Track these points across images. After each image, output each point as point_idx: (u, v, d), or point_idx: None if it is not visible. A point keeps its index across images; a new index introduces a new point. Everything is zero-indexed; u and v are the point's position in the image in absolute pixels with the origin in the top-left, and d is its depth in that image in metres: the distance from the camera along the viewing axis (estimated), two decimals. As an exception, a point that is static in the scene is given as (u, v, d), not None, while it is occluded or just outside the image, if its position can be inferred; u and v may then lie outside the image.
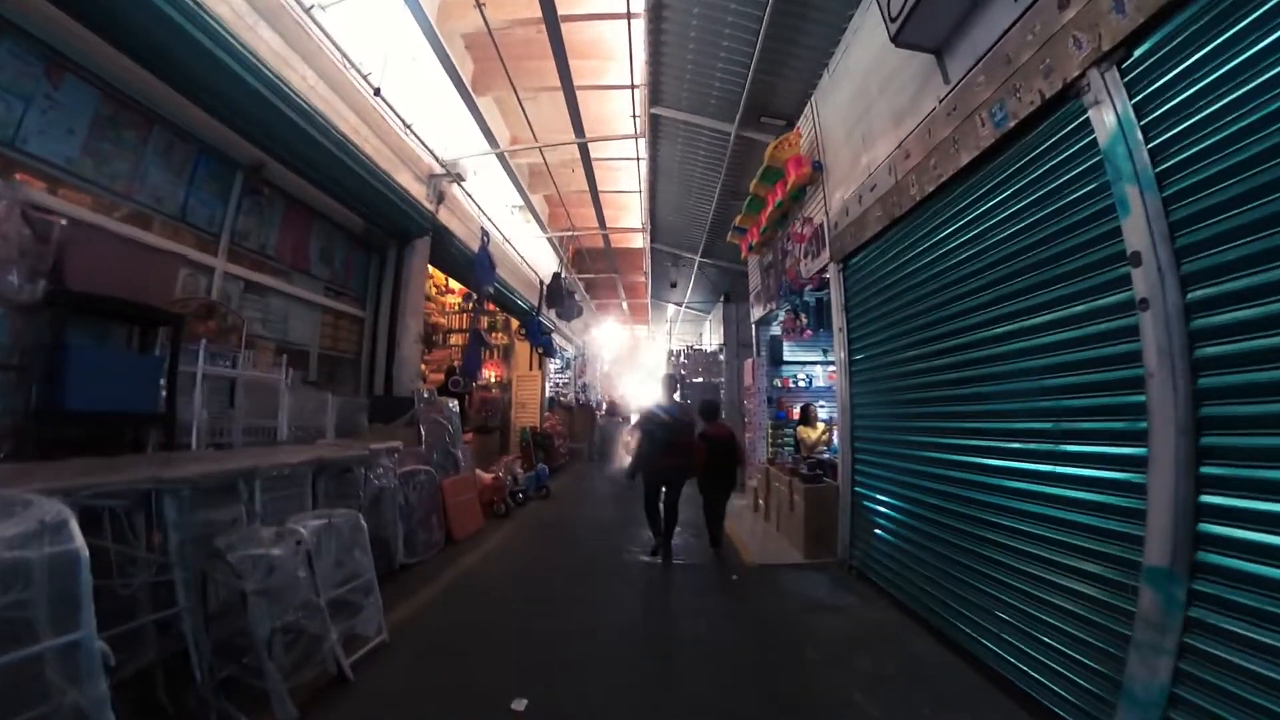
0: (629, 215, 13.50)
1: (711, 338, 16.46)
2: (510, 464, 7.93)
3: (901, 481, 4.85)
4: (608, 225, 12.77)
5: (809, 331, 8.65)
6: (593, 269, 15.32)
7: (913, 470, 4.67)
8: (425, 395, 6.87)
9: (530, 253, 11.20)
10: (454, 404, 7.18)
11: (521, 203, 10.44)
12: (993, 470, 3.63)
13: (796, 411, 9.57)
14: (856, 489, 5.65)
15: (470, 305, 9.66)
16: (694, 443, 6.06)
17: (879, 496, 5.22)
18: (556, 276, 10.71)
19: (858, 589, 5.15)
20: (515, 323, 11.86)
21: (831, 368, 9.90)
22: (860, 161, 5.68)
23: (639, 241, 14.60)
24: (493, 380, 13.62)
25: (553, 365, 16.82)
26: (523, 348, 13.66)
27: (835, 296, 6.13)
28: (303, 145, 5.35)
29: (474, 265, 7.93)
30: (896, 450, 4.95)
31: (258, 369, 5.07)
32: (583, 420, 13.28)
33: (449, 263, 8.11)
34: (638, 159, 10.09)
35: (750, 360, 9.48)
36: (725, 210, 10.62)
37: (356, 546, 3.76)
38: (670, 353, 16.06)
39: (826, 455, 8.06)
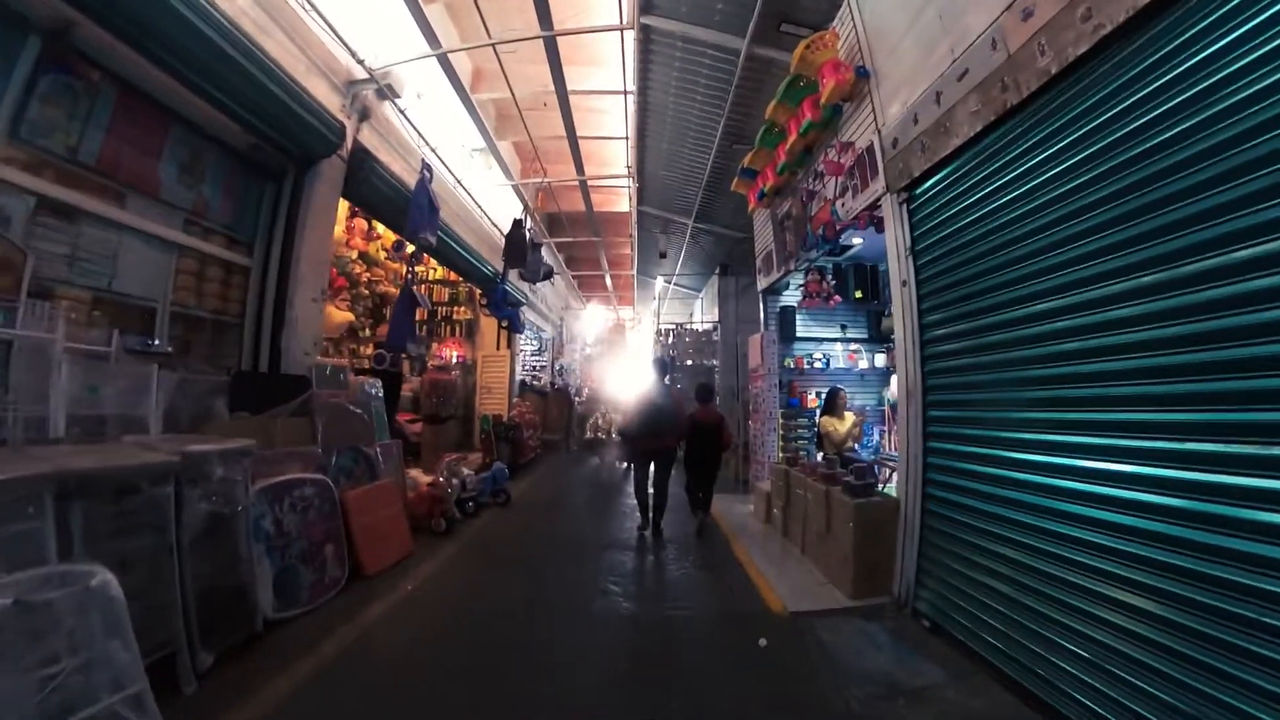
0: (614, 170, 11.72)
1: (704, 317, 14.75)
2: (453, 464, 6.18)
3: (1014, 501, 3.23)
4: (590, 181, 10.96)
5: (837, 297, 7.01)
6: (572, 235, 13.48)
7: (1038, 485, 3.05)
8: (332, 372, 5.11)
9: (493, 206, 9.39)
10: (376, 386, 5.43)
11: (484, 145, 8.63)
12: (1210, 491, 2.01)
13: (812, 398, 7.95)
14: (930, 507, 4.01)
15: (403, 258, 7.69)
16: (682, 424, 6.14)
17: (969, 520, 3.60)
18: (518, 225, 8.79)
19: (937, 652, 3.54)
20: (482, 295, 10.05)
21: (853, 346, 8.29)
22: (936, 49, 4.00)
23: (624, 205, 12.83)
24: (454, 360, 11.83)
25: (528, 346, 15.03)
26: (489, 324, 11.87)
27: (894, 239, 4.48)
28: (141, 5, 3.57)
29: (409, 206, 6.14)
30: (1010, 455, 3.31)
31: (57, 332, 3.29)
32: (558, 407, 11.57)
33: (374, 201, 6.29)
34: (624, 93, 8.31)
35: (757, 336, 7.82)
36: (727, 161, 8.91)
37: (104, 633, 2.04)
38: (658, 332, 14.35)
39: (860, 454, 6.46)
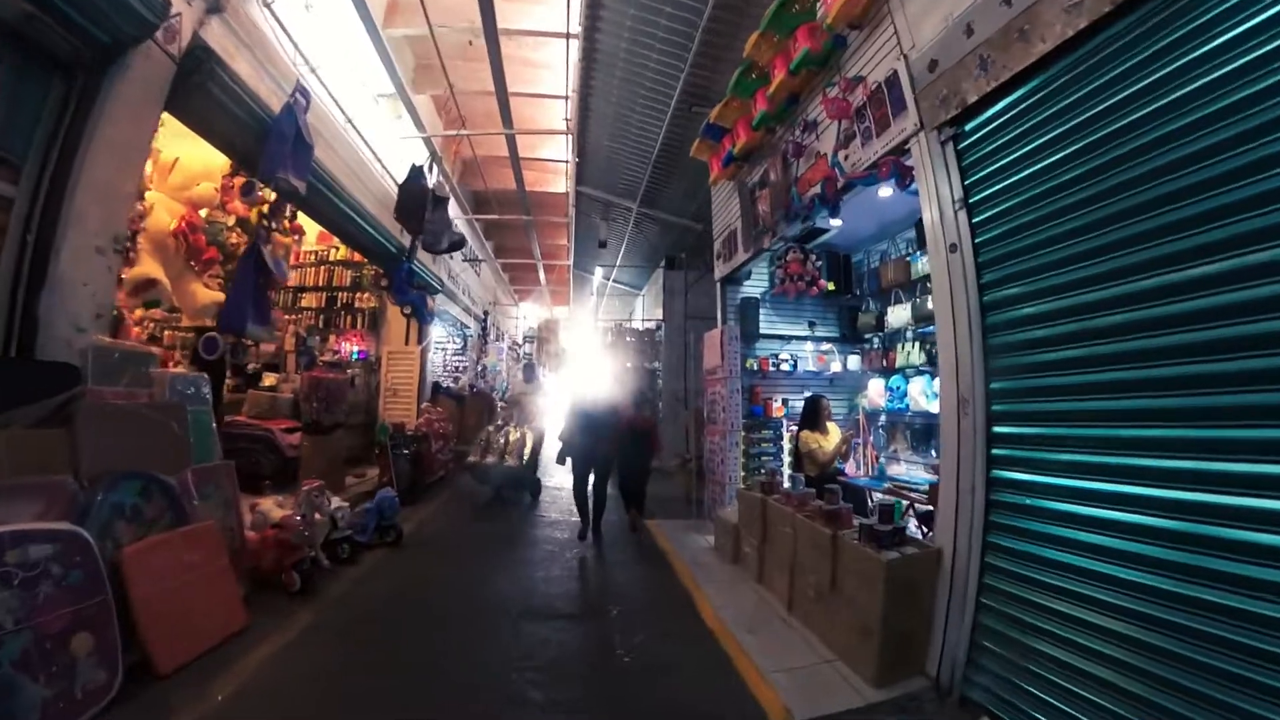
0: (549, 144, 10.27)
1: (646, 316, 13.45)
2: (313, 495, 4.51)
3: (1138, 558, 2.06)
4: (521, 138, 9.41)
5: (823, 282, 5.83)
6: (500, 215, 11.84)
7: (1185, 536, 1.89)
8: (124, 359, 3.43)
9: (400, 165, 7.68)
10: (199, 384, 3.79)
11: (392, 90, 6.97)
12: None
13: (778, 405, 6.75)
14: (993, 560, 2.82)
15: (259, 201, 5.76)
16: (619, 428, 6.39)
17: (1058, 579, 2.43)
18: (416, 174, 6.83)
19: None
20: (383, 274, 8.27)
21: (824, 346, 7.17)
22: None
23: (561, 185, 11.37)
24: (355, 357, 10.00)
25: (449, 343, 13.25)
26: (399, 315, 10.10)
27: (932, 191, 3.30)
28: None
29: (268, 136, 4.50)
30: (1138, 491, 2.14)
31: None
32: (477, 415, 9.94)
33: (215, 122, 4.58)
34: (567, 36, 6.90)
35: (716, 332, 6.56)
36: (684, 128, 7.67)
37: None
38: (596, 332, 12.98)
39: (860, 479, 5.32)
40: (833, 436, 5.27)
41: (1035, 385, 2.75)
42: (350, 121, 6.25)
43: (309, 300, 10.55)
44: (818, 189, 4.22)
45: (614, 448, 6.30)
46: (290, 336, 8.76)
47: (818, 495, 3.93)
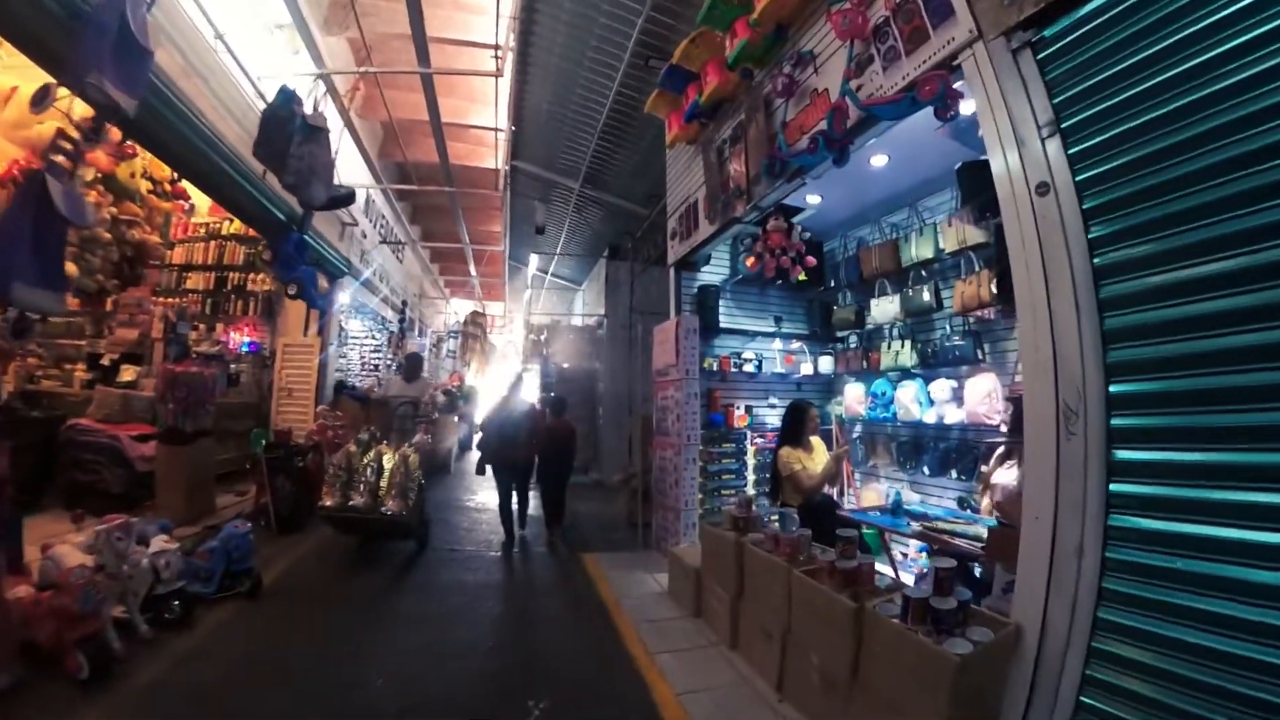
0: (479, 111, 8.96)
1: (586, 313, 12.26)
2: (112, 538, 3.11)
3: None
4: (447, 114, 8.09)
5: (811, 259, 4.85)
6: (419, 187, 10.34)
7: None
8: None
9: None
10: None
11: (290, 20, 5.53)
12: None
13: (741, 413, 5.75)
14: (1104, 644, 1.85)
15: (43, 113, 3.93)
16: (538, 435, 6.19)
17: (1222, 681, 1.43)
18: (286, 100, 4.99)
19: None
20: (266, 246, 6.72)
21: (793, 344, 6.23)
22: None
23: (492, 160, 10.06)
24: (245, 349, 8.39)
25: (368, 339, 11.63)
26: (295, 303, 8.54)
27: (1000, 117, 2.32)
28: None
29: (85, 31, 3.12)
30: None
31: None
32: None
33: (10, 8, 3.17)
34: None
35: (670, 324, 5.50)
36: (637, 90, 6.62)
37: None
38: (529, 328, 11.71)
39: (874, 513, 4.36)
40: (819, 454, 4.27)
41: (1187, 389, 1.79)
42: (221, 38, 4.79)
43: (195, 280, 8.82)
44: (823, 124, 3.19)
45: (532, 453, 6.12)
46: (158, 321, 7.14)
47: (817, 538, 2.90)
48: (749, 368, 5.76)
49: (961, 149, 3.91)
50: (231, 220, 8.46)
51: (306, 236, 6.96)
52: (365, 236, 9.66)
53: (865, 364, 5.64)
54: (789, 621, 2.82)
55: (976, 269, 4.39)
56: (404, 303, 11.84)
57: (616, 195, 9.64)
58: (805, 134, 3.53)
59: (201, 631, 3.48)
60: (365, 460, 5.11)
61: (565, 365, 10.74)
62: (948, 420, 4.64)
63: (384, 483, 4.98)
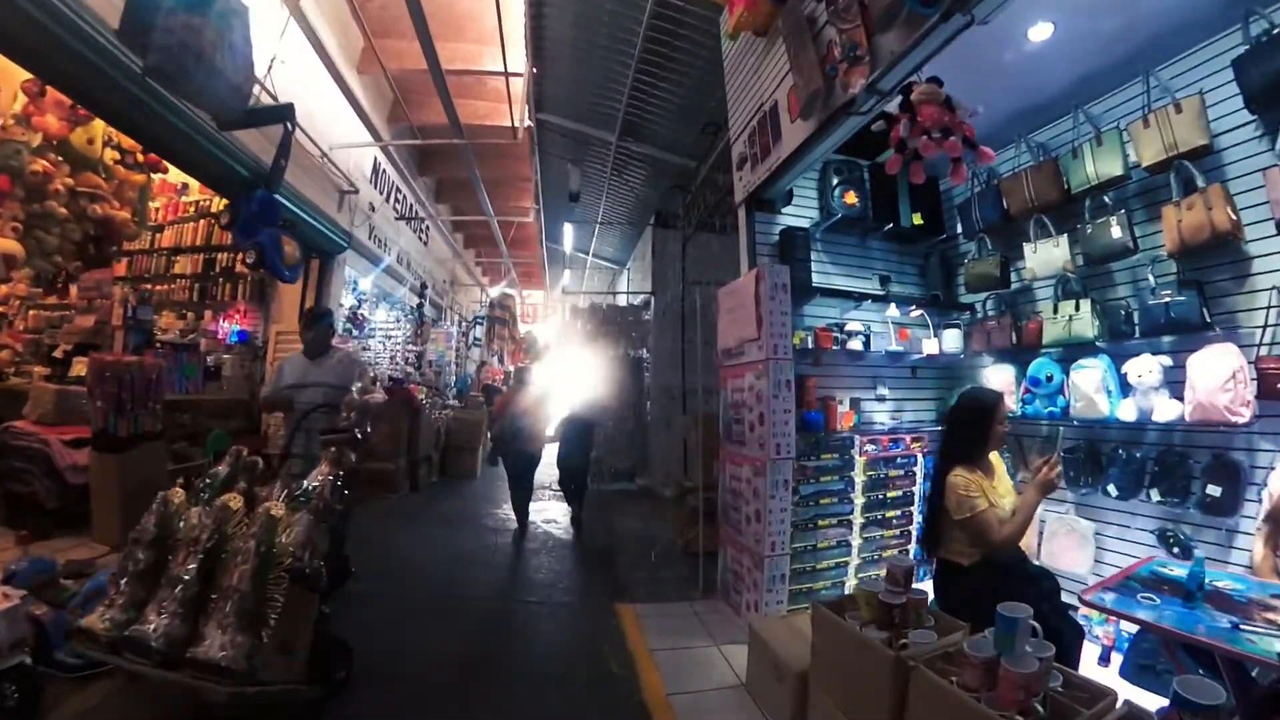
0: (494, 55, 7.49)
1: (633, 292, 10.69)
2: None
3: None
4: (450, 57, 6.69)
5: (985, 151, 3.05)
6: (425, 142, 8.86)
7: None
8: None
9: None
10: None
11: None
12: None
13: (845, 410, 4.09)
14: None
15: None
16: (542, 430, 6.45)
17: None
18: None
19: None
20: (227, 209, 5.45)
21: (914, 311, 4.56)
22: None
23: (518, 116, 8.58)
24: (234, 339, 7.25)
25: (397, 330, 10.43)
26: (291, 285, 7.35)
27: None
28: None
29: None
30: None
31: None
32: (391, 419, 7.14)
33: None
34: None
35: (745, 283, 3.84)
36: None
37: None
38: (563, 310, 10.27)
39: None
40: (1002, 481, 2.57)
41: None
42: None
43: (183, 264, 7.78)
44: None
45: (539, 447, 6.35)
46: (118, 306, 6.05)
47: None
48: (854, 344, 4.07)
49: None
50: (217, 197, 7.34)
51: (279, 197, 5.68)
52: (374, 210, 8.38)
53: (1015, 338, 3.94)
54: None
55: (1200, 185, 2.81)
56: (423, 284, 10.55)
57: (661, 147, 8.05)
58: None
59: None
60: (192, 528, 2.37)
61: (612, 353, 9.21)
62: (1160, 416, 2.93)
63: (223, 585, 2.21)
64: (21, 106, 5.58)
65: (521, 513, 6.16)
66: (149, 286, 7.76)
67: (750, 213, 4.28)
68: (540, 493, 7.57)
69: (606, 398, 7.92)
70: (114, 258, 6.94)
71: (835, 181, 4.39)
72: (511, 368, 12.06)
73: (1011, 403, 3.92)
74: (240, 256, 7.31)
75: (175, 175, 7.41)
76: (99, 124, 6.09)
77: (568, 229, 9.69)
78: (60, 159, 5.89)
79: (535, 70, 7.22)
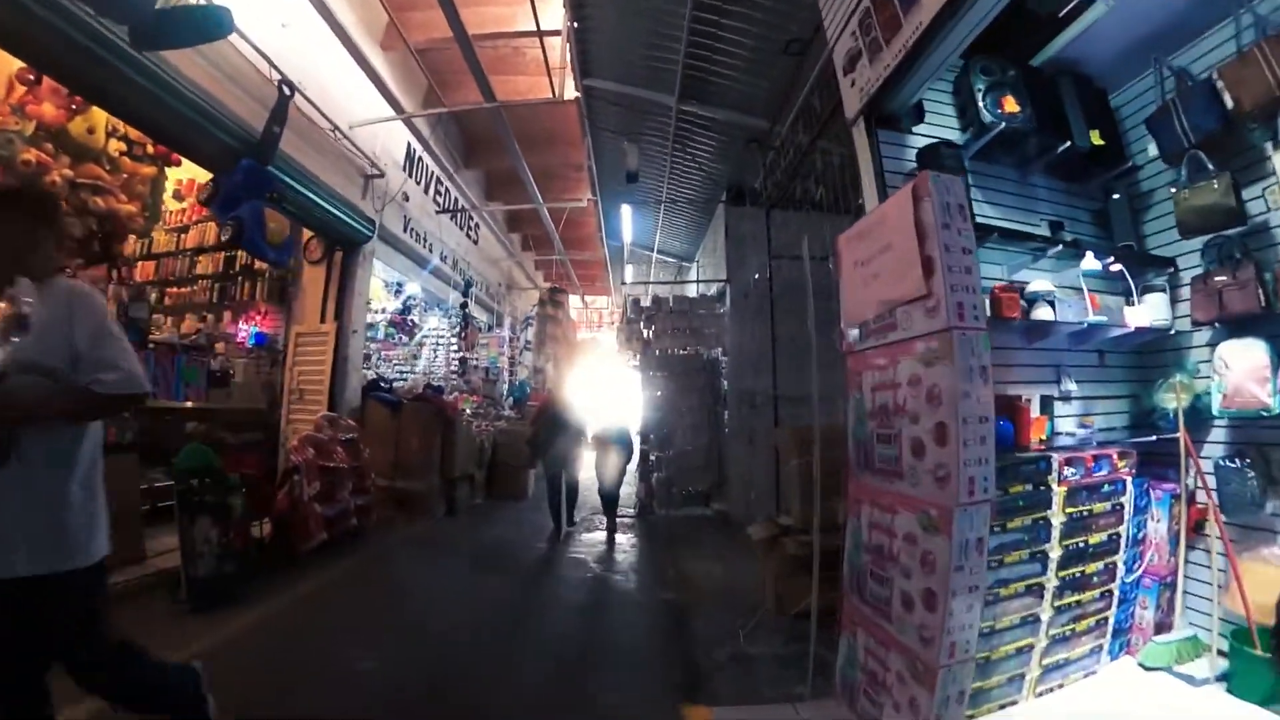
0: (525, 15, 6.45)
1: (697, 287, 9.40)
2: None
3: None
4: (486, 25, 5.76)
5: None
6: (451, 107, 7.87)
7: None
8: None
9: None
10: None
11: None
12: None
13: (1036, 415, 2.66)
14: None
15: None
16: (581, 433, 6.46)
17: None
18: None
19: None
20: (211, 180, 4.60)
21: (1112, 263, 3.06)
22: None
23: (562, 88, 7.53)
24: (254, 342, 6.53)
25: (445, 333, 9.60)
26: (314, 280, 6.57)
27: None
28: None
29: None
30: None
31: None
32: (422, 431, 6.07)
33: None
34: None
35: (898, 207, 2.45)
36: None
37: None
38: (625, 305, 9.12)
39: None
40: None
41: None
42: None
43: (205, 265, 7.23)
44: None
45: (577, 451, 6.38)
46: (113, 303, 5.40)
47: None
48: (1042, 312, 2.66)
49: None
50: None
51: (285, 176, 4.83)
52: (408, 199, 7.54)
53: (1264, 298, 2.51)
54: None
55: None
56: (467, 282, 9.64)
57: (730, 107, 6.80)
58: None
59: None
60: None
61: (680, 351, 7.93)
62: None
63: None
64: (18, 97, 5.06)
65: (556, 515, 6.13)
66: (186, 291, 7.25)
67: (870, 131, 2.95)
68: (595, 519, 6.67)
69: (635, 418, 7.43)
70: (127, 261, 6.37)
71: (983, 85, 3.05)
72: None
73: (1265, 395, 2.47)
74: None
75: (199, 173, 6.85)
76: (100, 113, 5.52)
77: (626, 214, 8.53)
78: (59, 149, 5.35)
79: (575, 24, 6.15)
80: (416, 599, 4.17)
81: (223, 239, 4.36)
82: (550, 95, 7.33)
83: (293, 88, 4.71)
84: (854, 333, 2.61)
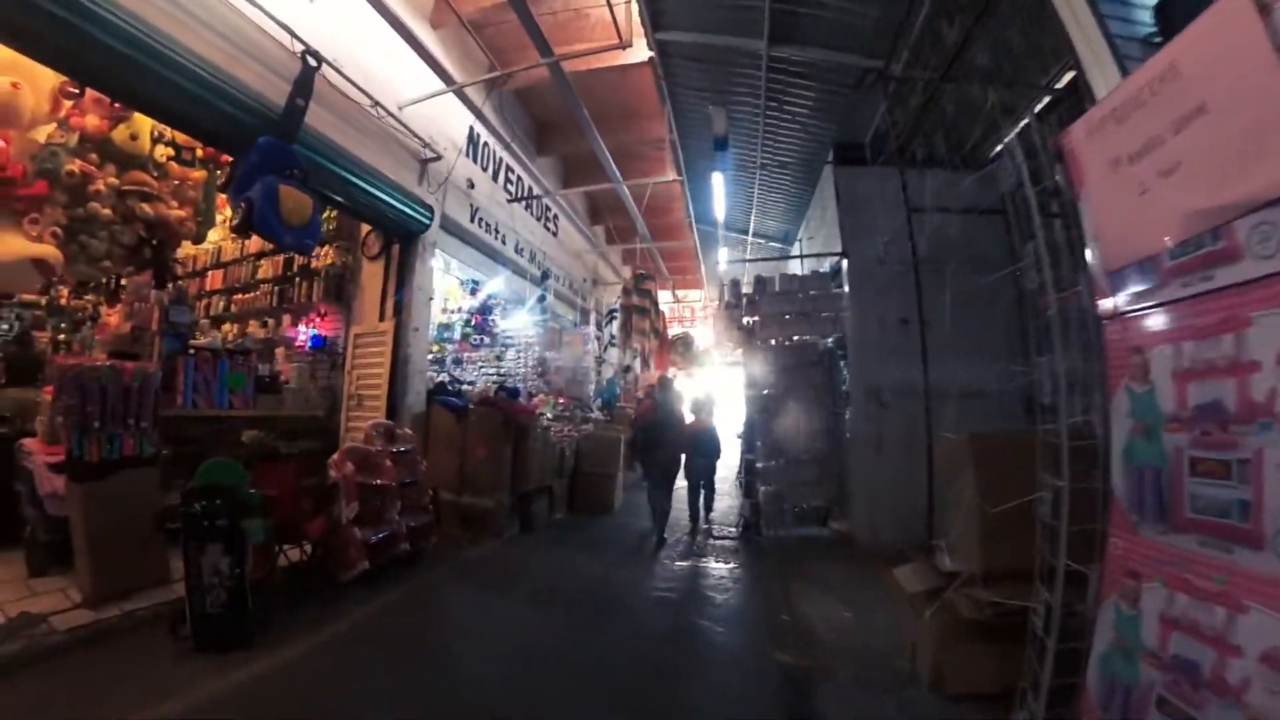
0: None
1: (803, 265, 8.16)
2: None
3: None
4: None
5: None
6: (572, 143, 7.23)
7: None
8: None
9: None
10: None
11: None
12: None
13: None
14: None
15: None
16: (686, 435, 6.29)
17: None
18: None
19: None
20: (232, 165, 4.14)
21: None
22: None
23: (627, 54, 6.57)
24: (312, 345, 6.13)
25: (528, 337, 8.99)
26: (373, 276, 6.07)
27: None
28: None
29: None
30: None
31: None
32: (488, 440, 5.30)
33: None
34: None
35: (1254, 15, 1.32)
36: None
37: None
38: (725, 283, 8.02)
39: None
40: None
41: None
42: None
43: (266, 269, 7.00)
44: None
45: (681, 453, 6.19)
46: (156, 309, 5.10)
47: None
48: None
49: None
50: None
51: (324, 160, 4.27)
52: (473, 186, 6.91)
53: None
54: None
55: None
56: (544, 273, 8.96)
57: (833, 47, 5.62)
58: None
59: None
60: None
61: (786, 340, 6.74)
62: None
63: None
64: (65, 111, 4.89)
65: (660, 521, 5.98)
66: (246, 296, 7.07)
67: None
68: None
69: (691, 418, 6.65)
70: (175, 267, 6.17)
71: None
72: (657, 374, 10.08)
73: None
74: (318, 250, 6.20)
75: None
76: (144, 119, 5.27)
77: (718, 184, 7.44)
78: (103, 159, 5.14)
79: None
80: (450, 647, 3.39)
81: (232, 225, 3.78)
82: (619, 54, 6.44)
83: (319, 57, 4.12)
84: (1129, 280, 1.46)
